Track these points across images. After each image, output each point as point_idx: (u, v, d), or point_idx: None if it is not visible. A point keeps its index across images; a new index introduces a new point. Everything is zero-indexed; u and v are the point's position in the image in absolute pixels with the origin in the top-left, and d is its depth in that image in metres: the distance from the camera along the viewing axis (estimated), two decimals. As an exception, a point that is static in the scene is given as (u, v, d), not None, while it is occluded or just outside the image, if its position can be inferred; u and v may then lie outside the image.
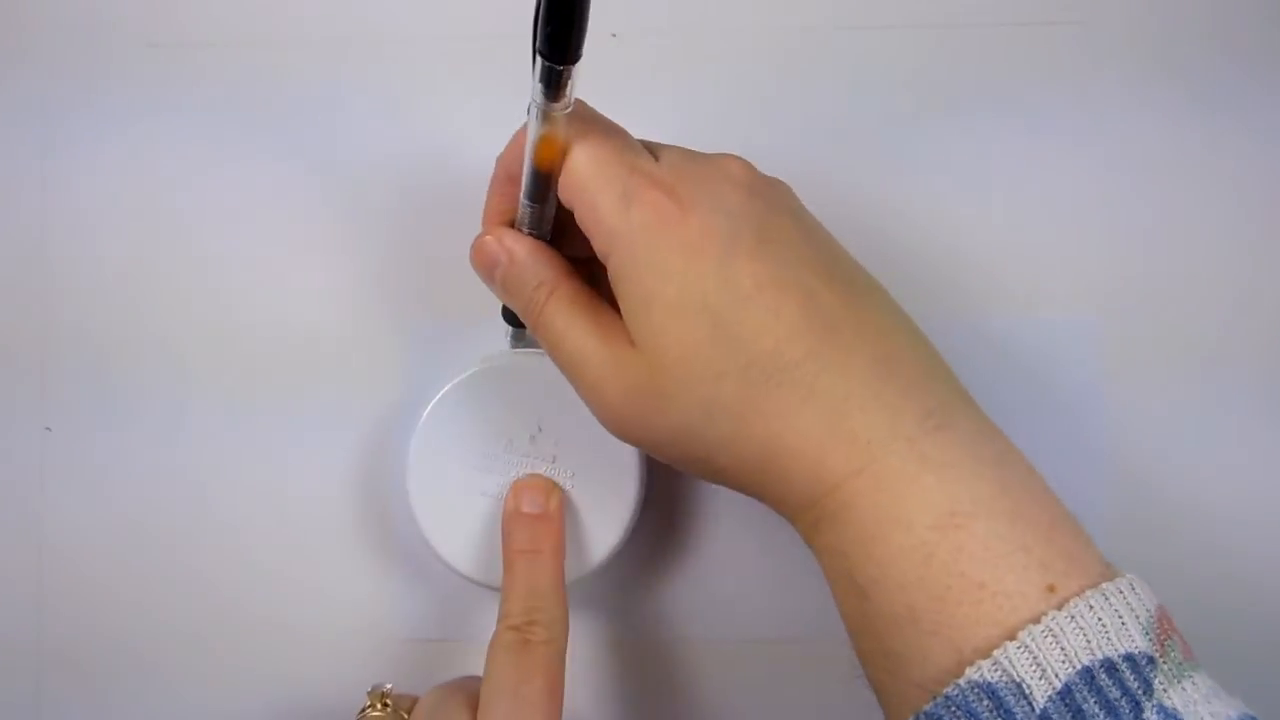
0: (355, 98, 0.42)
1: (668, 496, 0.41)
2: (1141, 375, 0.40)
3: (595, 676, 0.41)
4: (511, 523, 0.37)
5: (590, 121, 0.32)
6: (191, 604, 0.41)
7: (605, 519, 0.38)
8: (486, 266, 0.34)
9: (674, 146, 0.33)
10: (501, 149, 0.34)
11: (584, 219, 0.31)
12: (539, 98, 0.29)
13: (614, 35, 0.41)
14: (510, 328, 0.39)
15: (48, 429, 0.42)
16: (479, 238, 0.34)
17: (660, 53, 0.41)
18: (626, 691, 0.41)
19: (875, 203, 0.41)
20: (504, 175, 0.34)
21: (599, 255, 0.31)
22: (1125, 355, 0.40)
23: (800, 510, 0.30)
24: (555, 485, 0.37)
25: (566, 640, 0.34)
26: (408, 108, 0.42)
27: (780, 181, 0.33)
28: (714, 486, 0.40)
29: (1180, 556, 0.40)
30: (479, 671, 0.34)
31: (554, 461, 0.38)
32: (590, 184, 0.31)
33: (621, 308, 0.31)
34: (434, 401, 0.38)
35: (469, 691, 0.33)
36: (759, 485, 0.31)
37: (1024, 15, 0.41)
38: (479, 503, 0.38)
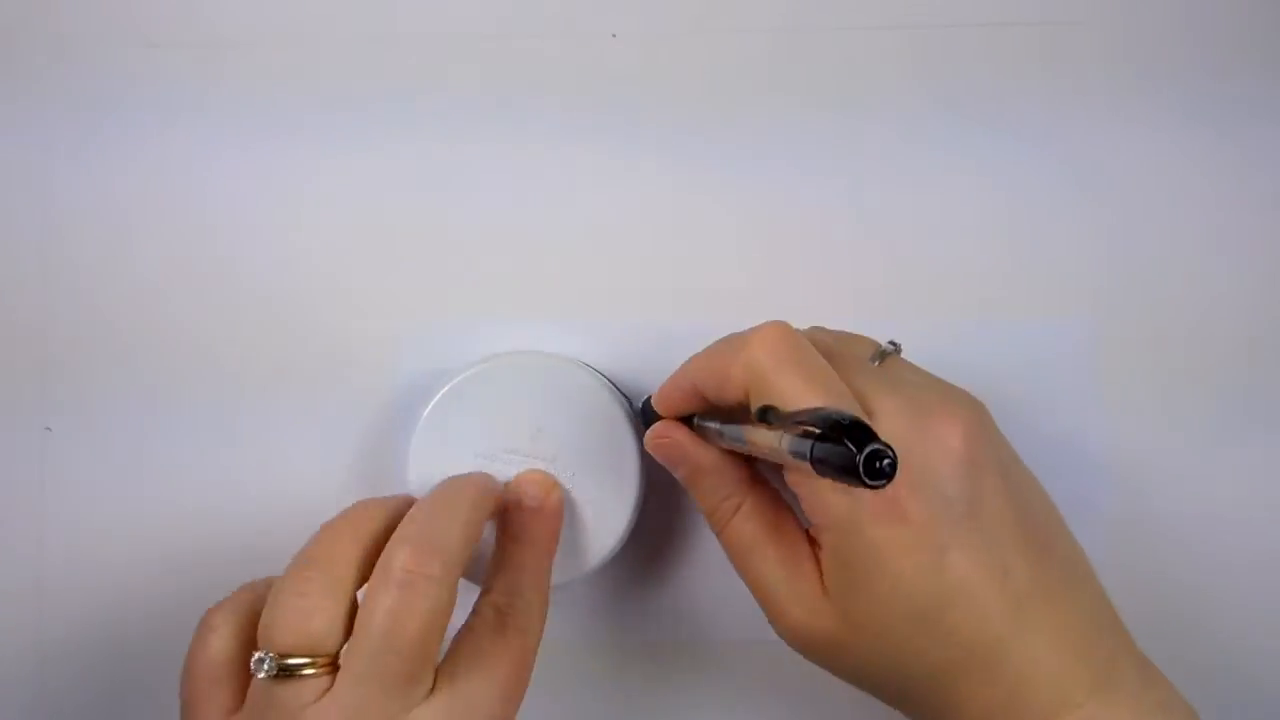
0: (356, 96, 0.42)
1: (668, 497, 0.41)
2: (1139, 376, 0.40)
3: (595, 676, 0.41)
4: (509, 512, 0.37)
5: None
6: (191, 604, 0.41)
7: (605, 519, 0.38)
8: (670, 462, 0.35)
9: (891, 396, 0.32)
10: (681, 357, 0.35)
11: (798, 486, 0.31)
12: (791, 458, 0.27)
13: (614, 35, 0.42)
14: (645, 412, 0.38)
15: (48, 429, 0.42)
16: (659, 434, 0.35)
17: (660, 53, 0.41)
18: (626, 691, 0.41)
19: (874, 202, 0.41)
20: (690, 386, 0.34)
21: (808, 517, 0.32)
22: (1122, 356, 0.40)
23: None
24: (556, 483, 0.37)
25: (540, 636, 0.34)
26: (411, 107, 0.42)
27: (984, 413, 0.32)
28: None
29: (1178, 557, 0.40)
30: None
31: (554, 461, 0.38)
32: None
33: (827, 570, 0.31)
34: (434, 401, 0.38)
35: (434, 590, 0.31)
36: None
37: (1024, 15, 0.41)
38: (479, 503, 0.38)
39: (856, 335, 0.36)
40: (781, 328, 0.32)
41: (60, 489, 0.41)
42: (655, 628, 0.41)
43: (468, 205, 0.42)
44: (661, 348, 0.41)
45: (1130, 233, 0.41)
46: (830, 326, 0.38)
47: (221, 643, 0.33)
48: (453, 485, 0.35)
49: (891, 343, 0.35)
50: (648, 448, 0.35)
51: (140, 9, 0.42)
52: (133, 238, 0.42)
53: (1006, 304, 0.41)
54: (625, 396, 0.39)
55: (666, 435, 0.34)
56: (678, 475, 0.35)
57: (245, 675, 0.32)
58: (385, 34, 0.42)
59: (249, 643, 0.33)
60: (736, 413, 0.32)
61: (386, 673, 0.30)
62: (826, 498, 0.30)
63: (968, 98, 0.41)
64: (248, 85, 0.42)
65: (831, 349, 0.33)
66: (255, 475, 0.41)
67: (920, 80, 0.41)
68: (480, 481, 0.36)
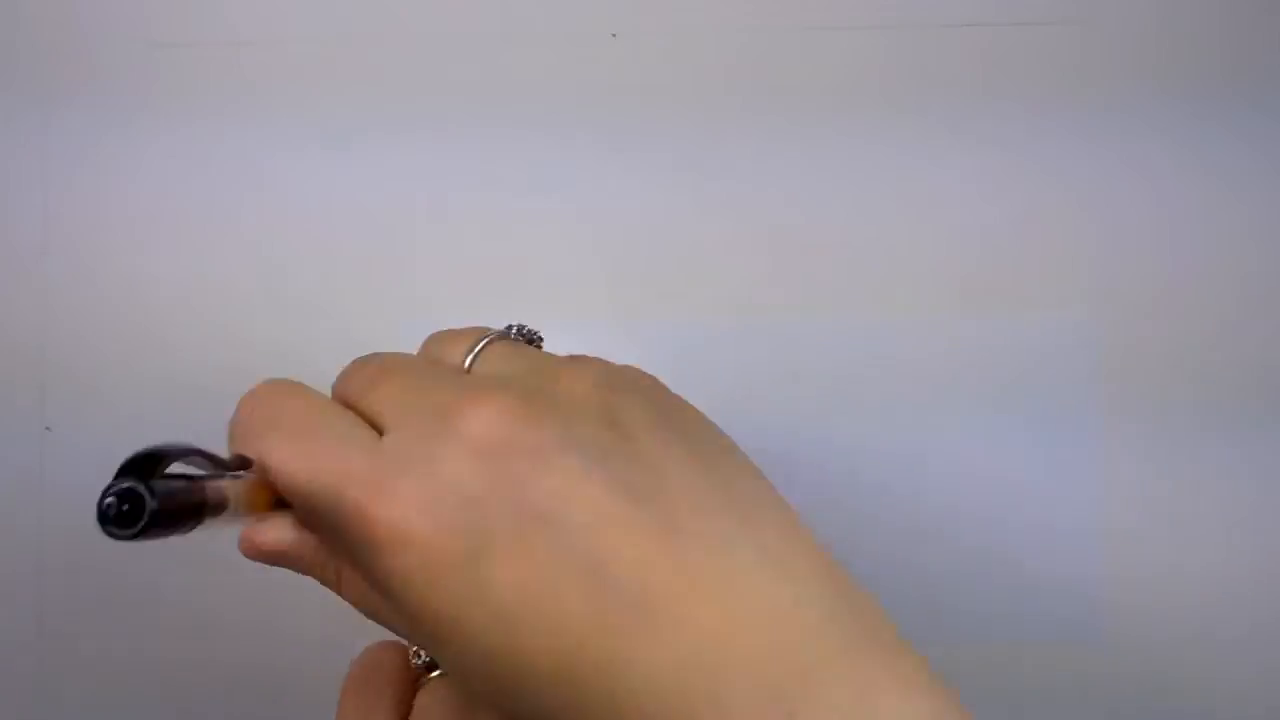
0: (357, 96, 0.42)
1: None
2: (1136, 375, 0.40)
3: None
4: None
5: None
6: (190, 607, 0.41)
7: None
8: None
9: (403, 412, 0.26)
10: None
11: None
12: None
13: (614, 35, 0.42)
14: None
15: (48, 429, 0.42)
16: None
17: (660, 53, 0.41)
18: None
19: (874, 201, 0.41)
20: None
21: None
22: (1120, 355, 0.40)
23: None
24: None
25: None
26: (411, 107, 0.42)
27: (530, 394, 0.25)
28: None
29: (1176, 558, 0.40)
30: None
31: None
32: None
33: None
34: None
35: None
36: None
37: (1024, 15, 0.41)
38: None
39: (462, 334, 0.29)
40: (265, 386, 0.28)
41: (60, 489, 0.41)
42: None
43: (467, 205, 0.42)
44: (662, 348, 0.41)
45: (1130, 232, 0.41)
46: (829, 324, 0.38)
47: None
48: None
49: (515, 327, 0.30)
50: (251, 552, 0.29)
51: (141, 9, 0.42)
52: (133, 237, 0.42)
53: (1006, 303, 0.41)
54: (625, 396, 0.39)
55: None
56: None
57: None
58: (386, 34, 0.42)
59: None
60: None
61: None
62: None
63: (967, 97, 0.41)
64: (248, 85, 0.42)
65: (413, 367, 0.28)
66: (255, 475, 0.41)
67: (920, 79, 0.41)
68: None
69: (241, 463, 0.26)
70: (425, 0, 0.42)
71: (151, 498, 0.22)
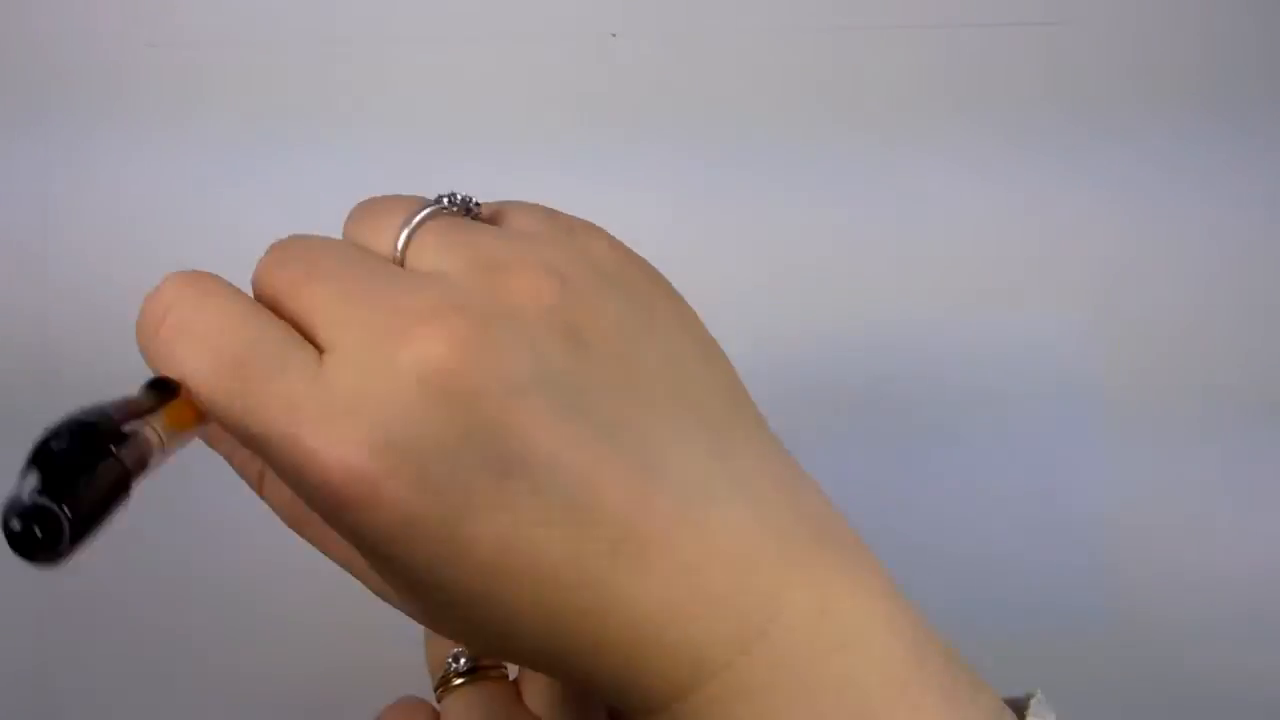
0: (357, 97, 0.42)
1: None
2: (1136, 375, 0.40)
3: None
4: None
5: None
6: (192, 606, 0.41)
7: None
8: None
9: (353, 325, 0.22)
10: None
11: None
12: None
13: (614, 35, 0.42)
14: None
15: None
16: None
17: (660, 53, 0.41)
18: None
19: (872, 202, 0.41)
20: None
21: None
22: (1120, 356, 0.40)
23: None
24: None
25: None
26: (407, 107, 0.42)
27: (483, 319, 0.21)
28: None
29: (1177, 555, 0.40)
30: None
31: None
32: None
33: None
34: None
35: None
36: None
37: (1024, 15, 0.41)
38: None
39: (390, 210, 0.25)
40: (172, 281, 0.24)
41: (60, 489, 0.41)
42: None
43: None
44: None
45: (1130, 233, 0.41)
46: (830, 324, 0.38)
47: None
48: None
49: (448, 196, 0.25)
50: None
51: (140, 9, 0.42)
52: (133, 237, 0.42)
53: (1006, 303, 0.41)
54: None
55: None
56: None
57: None
58: (386, 35, 0.42)
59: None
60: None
61: None
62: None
63: (968, 97, 0.41)
64: (248, 85, 0.42)
65: (343, 261, 0.24)
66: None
67: (919, 79, 0.41)
68: None
69: (162, 385, 0.22)
70: (425, 1, 0.42)
71: (65, 512, 0.17)
